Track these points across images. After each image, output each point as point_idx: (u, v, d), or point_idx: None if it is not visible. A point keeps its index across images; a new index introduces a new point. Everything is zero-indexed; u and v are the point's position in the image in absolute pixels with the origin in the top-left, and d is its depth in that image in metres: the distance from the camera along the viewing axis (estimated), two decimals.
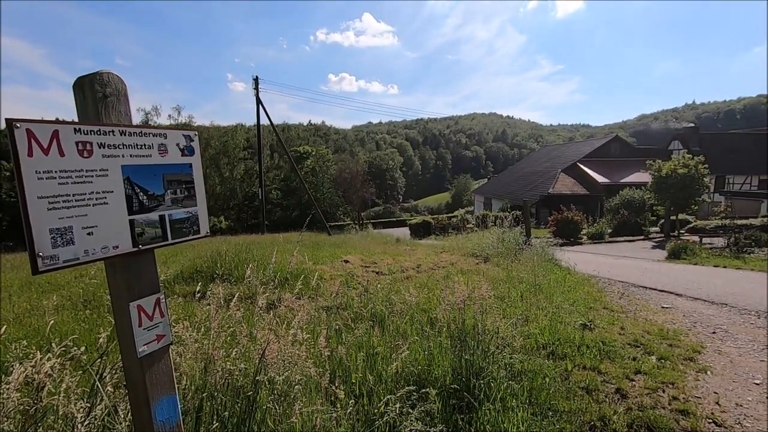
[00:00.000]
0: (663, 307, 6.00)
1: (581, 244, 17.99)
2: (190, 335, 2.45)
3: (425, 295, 5.21)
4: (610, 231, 19.69)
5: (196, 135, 1.46)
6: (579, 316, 4.99)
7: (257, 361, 1.97)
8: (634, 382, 3.46)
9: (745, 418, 2.99)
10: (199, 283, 3.33)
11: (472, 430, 2.55)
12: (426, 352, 3.27)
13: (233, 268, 7.73)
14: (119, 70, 1.27)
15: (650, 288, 7.33)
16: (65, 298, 5.85)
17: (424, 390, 2.53)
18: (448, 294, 3.16)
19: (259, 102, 24.43)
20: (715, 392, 3.37)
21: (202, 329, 2.56)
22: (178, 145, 1.39)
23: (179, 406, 1.36)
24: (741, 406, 3.17)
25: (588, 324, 4.73)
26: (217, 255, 8.24)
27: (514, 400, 2.85)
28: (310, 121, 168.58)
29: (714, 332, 4.90)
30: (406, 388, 2.31)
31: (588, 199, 31.56)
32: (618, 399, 3.21)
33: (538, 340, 4.13)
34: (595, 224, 19.96)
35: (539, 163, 43.61)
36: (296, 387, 1.94)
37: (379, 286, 6.57)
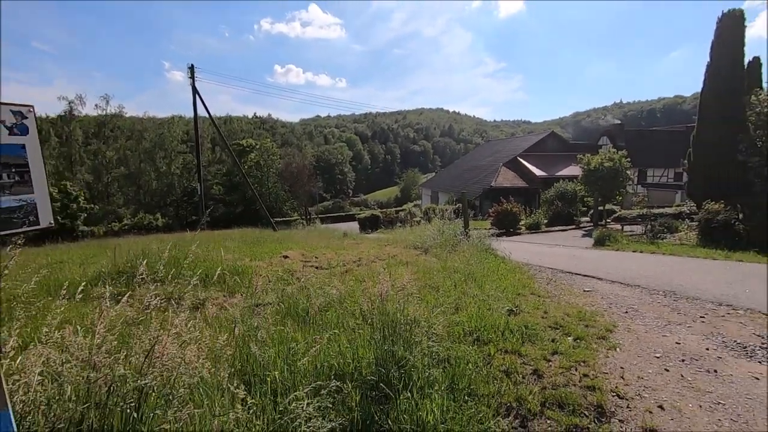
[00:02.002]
0: (585, 291, 6.39)
1: (520, 234, 18.87)
2: (76, 341, 2.21)
3: (353, 287, 5.15)
4: (546, 221, 20.82)
5: (30, 111, 1.26)
6: (507, 302, 5.17)
7: (142, 365, 1.80)
8: (550, 363, 3.62)
9: (644, 390, 3.23)
10: (105, 286, 3.03)
11: (389, 419, 2.53)
12: (351, 344, 3.22)
13: (160, 267, 7.25)
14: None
15: (575, 273, 7.79)
16: None
17: (335, 383, 2.47)
18: (369, 285, 3.11)
19: (195, 92, 23.18)
20: (621, 367, 3.61)
21: (90, 334, 2.33)
22: (3, 122, 1.20)
23: (14, 423, 1.18)
24: (642, 378, 3.41)
25: (514, 309, 4.92)
26: (143, 254, 7.67)
27: (434, 387, 2.87)
28: (255, 113, 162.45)
29: (626, 312, 5.28)
30: (317, 382, 2.24)
31: (527, 191, 33.19)
32: (534, 379, 3.34)
33: (466, 327, 4.22)
34: (532, 215, 21.02)
35: (483, 157, 45.17)
36: (181, 390, 1.79)
37: (314, 280, 6.44)
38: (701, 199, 11.71)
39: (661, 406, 2.98)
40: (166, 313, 3.12)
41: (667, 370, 3.56)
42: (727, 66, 12.32)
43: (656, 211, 17.54)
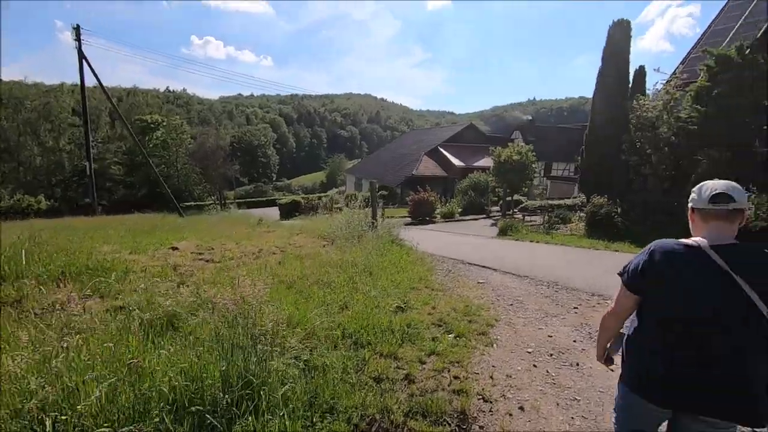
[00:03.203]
0: (479, 283, 6.52)
1: (435, 222, 19.35)
2: None
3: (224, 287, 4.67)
4: (460, 210, 21.60)
5: None
6: (398, 298, 5.04)
7: None
8: (425, 365, 3.50)
9: (510, 389, 3.22)
10: None
11: None
12: (201, 361, 2.77)
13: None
14: None
15: (474, 264, 7.98)
16: None
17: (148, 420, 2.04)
18: (210, 292, 2.68)
19: (82, 56, 20.20)
20: (493, 366, 3.61)
21: None
22: None
23: None
24: (510, 377, 3.42)
25: (402, 306, 4.79)
26: None
27: (288, 406, 2.56)
28: (168, 87, 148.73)
29: (512, 304, 5.44)
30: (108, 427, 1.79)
31: (446, 180, 34.30)
32: (405, 385, 3.19)
33: (347, 329, 3.97)
34: (448, 204, 21.69)
35: (406, 145, 45.81)
36: None
37: (199, 276, 5.81)
38: (590, 193, 12.81)
39: (522, 407, 2.98)
40: None
41: (536, 366, 3.63)
42: (614, 71, 13.54)
43: (554, 202, 19.03)
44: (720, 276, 1.47)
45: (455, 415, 2.84)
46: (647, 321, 1.65)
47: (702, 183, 1.64)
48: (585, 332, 4.42)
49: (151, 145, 34.88)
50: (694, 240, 1.57)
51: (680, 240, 1.59)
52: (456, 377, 3.31)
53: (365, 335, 3.87)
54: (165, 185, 21.82)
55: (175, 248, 8.31)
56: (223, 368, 2.47)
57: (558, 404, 3.04)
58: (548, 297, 5.76)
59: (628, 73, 13.81)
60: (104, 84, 21.45)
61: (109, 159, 36.50)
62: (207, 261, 7.42)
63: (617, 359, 1.84)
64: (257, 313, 2.72)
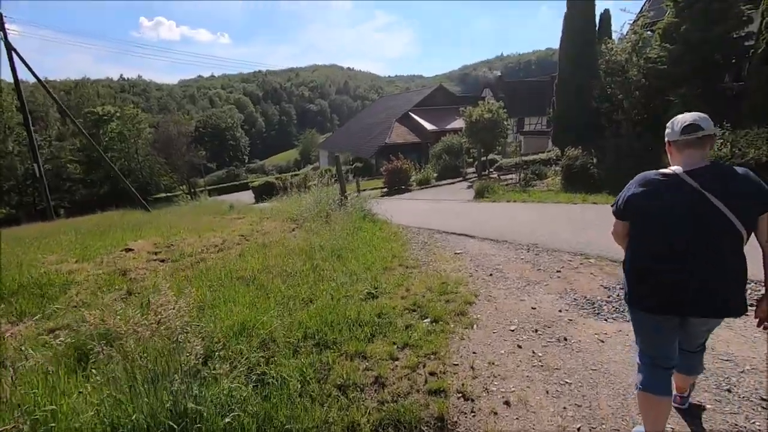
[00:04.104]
0: (456, 253, 6.13)
1: (411, 190, 18.91)
2: None
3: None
4: (435, 175, 21.14)
5: None
6: (367, 283, 4.60)
7: None
8: (397, 363, 3.09)
9: (493, 380, 2.86)
10: None
11: None
12: (128, 397, 2.28)
13: None
14: None
15: (451, 233, 7.59)
16: None
17: None
18: (111, 321, 2.16)
19: (10, 48, 18.36)
20: (473, 352, 3.24)
21: None
22: None
23: None
24: (493, 364, 3.06)
25: (373, 292, 4.37)
26: None
27: None
28: (121, 75, 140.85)
29: (491, 274, 5.07)
30: None
31: (420, 146, 33.66)
32: (375, 390, 2.79)
33: (310, 328, 3.53)
34: (422, 170, 21.19)
35: (376, 114, 44.63)
36: None
37: (148, 281, 5.25)
38: (564, 145, 12.49)
39: (507, 402, 2.62)
40: None
41: (520, 347, 3.28)
42: (580, 15, 12.92)
43: (529, 158, 18.75)
44: (693, 195, 1.72)
45: (432, 423, 2.46)
46: (633, 255, 1.97)
47: (673, 118, 1.87)
48: (570, 299, 4.10)
49: (107, 139, 32.92)
50: (671, 169, 1.82)
51: (659, 170, 1.85)
52: (432, 373, 2.92)
53: (330, 334, 3.43)
54: (125, 179, 20.59)
55: (129, 250, 7.64)
56: (134, 416, 1.98)
57: (548, 392, 2.69)
58: (529, 262, 5.43)
59: (594, 14, 13.23)
60: (50, 78, 19.91)
61: (64, 158, 34.34)
62: (162, 261, 6.81)
63: None
64: (182, 335, 2.22)
